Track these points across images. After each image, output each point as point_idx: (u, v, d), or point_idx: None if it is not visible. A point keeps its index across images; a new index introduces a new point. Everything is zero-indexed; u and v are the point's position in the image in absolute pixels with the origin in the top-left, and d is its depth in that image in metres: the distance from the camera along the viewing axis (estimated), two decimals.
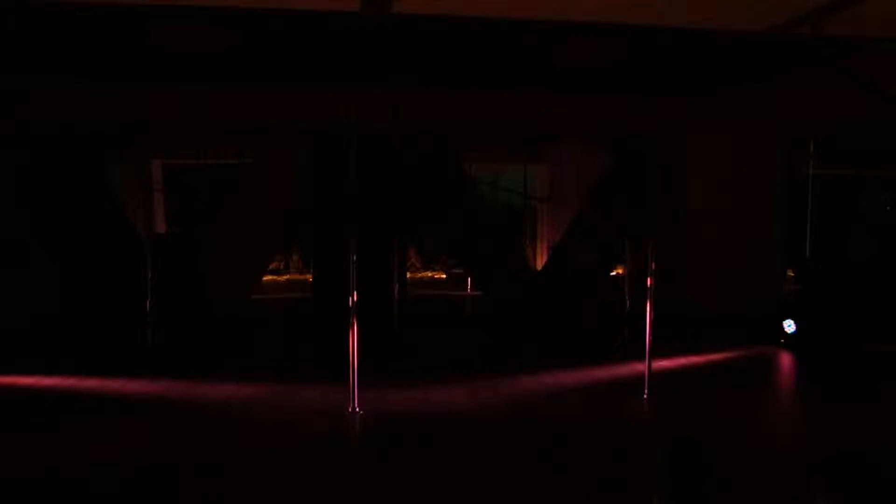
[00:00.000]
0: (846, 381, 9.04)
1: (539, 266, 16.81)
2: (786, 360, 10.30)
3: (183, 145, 16.00)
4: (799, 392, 9.18)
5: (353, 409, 7.36)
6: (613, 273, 16.98)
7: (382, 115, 9.81)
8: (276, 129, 12.04)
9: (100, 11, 7.30)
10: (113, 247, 11.77)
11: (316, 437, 6.81)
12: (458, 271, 19.43)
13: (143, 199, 12.00)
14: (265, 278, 16.76)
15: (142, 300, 10.74)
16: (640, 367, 8.14)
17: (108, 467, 5.96)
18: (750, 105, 11.90)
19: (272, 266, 18.90)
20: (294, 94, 11.36)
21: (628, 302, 10.83)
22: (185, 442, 6.67)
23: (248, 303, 13.02)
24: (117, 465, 6.00)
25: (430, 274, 20.93)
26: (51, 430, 6.95)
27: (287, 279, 19.76)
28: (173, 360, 9.88)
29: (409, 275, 16.10)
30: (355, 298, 7.33)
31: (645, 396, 7.95)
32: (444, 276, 20.44)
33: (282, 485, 5.63)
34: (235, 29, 8.28)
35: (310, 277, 14.57)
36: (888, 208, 19.75)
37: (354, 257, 7.36)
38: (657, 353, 8.37)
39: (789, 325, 10.86)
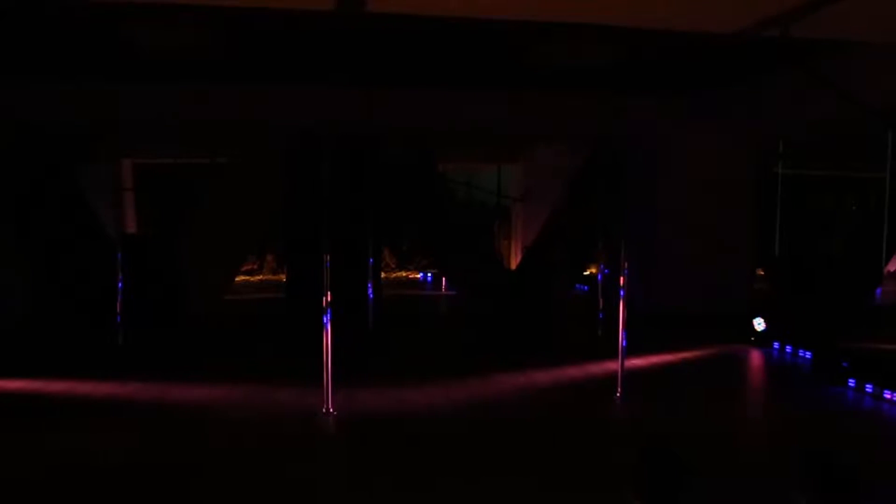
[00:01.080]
0: (814, 378, 9.20)
1: (514, 265, 16.88)
2: (755, 357, 10.44)
3: (154, 145, 15.85)
4: (768, 389, 9.30)
5: (328, 409, 7.33)
6: (587, 272, 17.12)
7: (356, 115, 9.78)
8: (249, 128, 11.96)
9: (72, 8, 7.19)
10: (82, 247, 11.60)
11: (289, 438, 6.76)
12: (432, 271, 19.44)
13: (113, 199, 11.81)
14: (238, 279, 16.61)
15: (113, 301, 10.58)
16: (614, 365, 8.19)
17: (74, 473, 5.87)
18: (722, 106, 12.06)
19: (246, 267, 18.76)
20: (268, 94, 11.31)
21: (601, 301, 10.91)
22: (154, 445, 6.58)
23: (221, 303, 12.90)
24: (83, 470, 5.90)
25: (404, 273, 20.90)
26: (12, 431, 6.83)
27: (260, 279, 19.61)
28: (145, 362, 9.76)
29: (383, 275, 16.08)
30: (329, 299, 7.29)
31: (618, 395, 8.01)
32: (418, 275, 20.43)
33: (255, 486, 5.59)
34: (209, 28, 8.20)
35: (283, 278, 14.49)
36: (854, 208, 20.14)
37: (328, 257, 7.33)
38: (630, 352, 8.44)
39: (759, 324, 11.01)
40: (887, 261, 15.13)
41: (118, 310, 10.37)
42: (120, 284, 10.35)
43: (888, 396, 7.97)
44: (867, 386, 8.30)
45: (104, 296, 10.87)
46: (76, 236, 11.67)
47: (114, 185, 11.00)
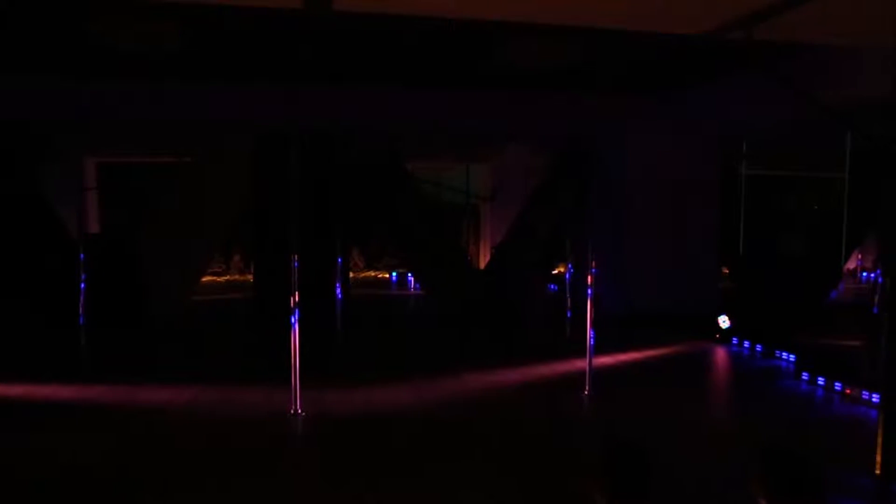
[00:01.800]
0: (774, 375, 9.38)
1: (482, 265, 16.91)
2: (720, 354, 10.60)
3: (118, 144, 15.60)
4: (732, 385, 9.45)
5: (296, 410, 7.28)
6: (556, 272, 17.23)
7: (325, 114, 9.73)
8: (216, 128, 11.84)
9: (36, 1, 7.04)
10: (44, 247, 11.38)
11: (257, 439, 6.70)
12: (401, 270, 19.40)
13: (75, 199, 11.57)
14: (205, 279, 16.43)
15: (75, 302, 10.35)
16: (582, 364, 8.26)
17: (34, 481, 5.74)
18: (689, 107, 12.22)
19: (213, 268, 18.57)
20: (235, 94, 11.21)
21: (569, 300, 10.99)
22: (120, 450, 6.46)
23: (187, 304, 12.74)
24: (43, 480, 5.77)
25: (373, 273, 20.84)
26: None
27: (227, 280, 19.41)
28: (109, 364, 9.60)
29: (352, 275, 16.01)
30: (297, 299, 7.24)
31: (586, 392, 8.07)
32: (387, 275, 20.39)
33: (223, 487, 5.53)
34: (177, 25, 8.10)
35: (251, 278, 14.36)
36: (815, 207, 20.57)
37: (296, 257, 7.27)
38: (598, 350, 8.51)
39: (724, 321, 11.18)
40: (846, 259, 15.46)
41: (81, 311, 10.15)
42: (83, 285, 10.14)
43: (848, 392, 8.14)
44: (820, 379, 8.48)
45: (66, 296, 10.65)
46: (36, 236, 11.44)
47: (76, 184, 10.74)
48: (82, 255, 10.17)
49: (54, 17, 7.77)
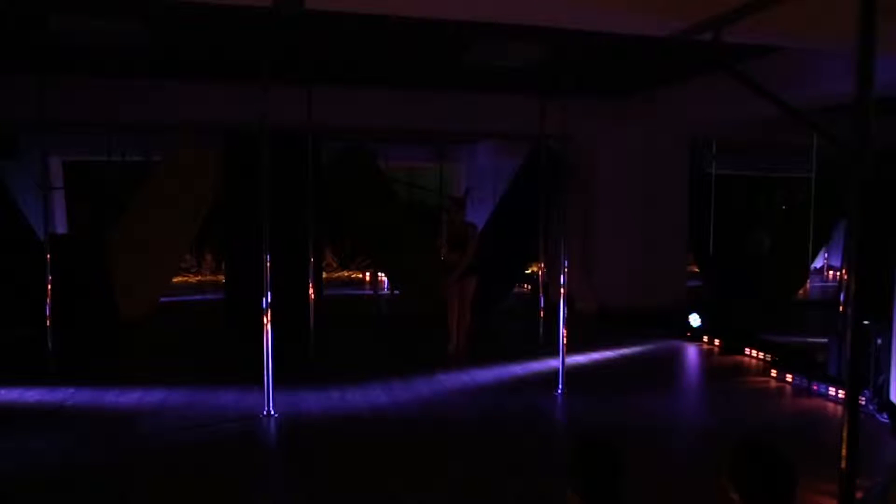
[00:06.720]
0: (744, 372, 9.51)
1: None
2: (691, 352, 10.73)
3: (84, 143, 15.36)
4: (703, 383, 9.56)
5: (268, 412, 7.23)
6: (528, 271, 17.30)
7: (296, 113, 9.67)
8: (186, 126, 11.71)
9: None
10: (7, 248, 11.16)
11: (228, 441, 6.64)
12: (374, 270, 19.30)
13: (40, 199, 11.34)
14: (175, 279, 16.24)
15: (41, 304, 10.15)
16: (555, 362, 8.32)
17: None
18: (659, 106, 12.35)
19: (183, 267, 18.36)
20: (205, 92, 11.09)
21: (542, 299, 11.03)
22: (86, 454, 6.37)
23: (157, 305, 12.57)
24: (8, 483, 5.68)
25: (347, 273, 20.74)
26: None
27: (199, 280, 19.20)
28: (76, 367, 9.43)
29: (325, 274, 15.92)
30: (269, 299, 7.19)
31: (559, 391, 8.13)
32: (360, 275, 20.31)
33: (190, 488, 5.47)
34: (143, 20, 8.00)
35: (222, 278, 14.22)
36: (783, 207, 20.92)
37: (268, 257, 7.22)
38: (571, 348, 8.57)
39: (695, 319, 11.31)
40: (813, 258, 15.73)
41: (47, 313, 9.96)
42: (49, 287, 9.94)
43: (815, 388, 8.28)
44: (795, 378, 8.62)
45: (32, 299, 10.45)
46: (2, 237, 11.22)
47: (42, 183, 10.53)
48: (49, 256, 9.98)
49: (14, 12, 7.63)
